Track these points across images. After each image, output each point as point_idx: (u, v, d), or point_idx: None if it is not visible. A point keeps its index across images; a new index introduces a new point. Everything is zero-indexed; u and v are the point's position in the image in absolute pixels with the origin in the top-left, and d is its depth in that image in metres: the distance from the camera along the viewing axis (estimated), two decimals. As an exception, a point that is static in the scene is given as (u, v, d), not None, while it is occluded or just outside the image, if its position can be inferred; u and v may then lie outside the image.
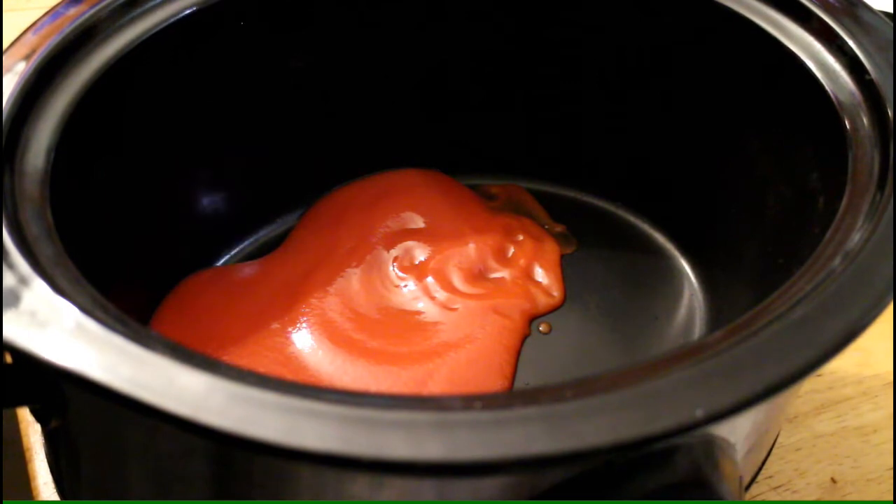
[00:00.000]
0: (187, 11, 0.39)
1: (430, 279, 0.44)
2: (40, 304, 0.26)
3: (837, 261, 0.28)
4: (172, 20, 0.39)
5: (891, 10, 0.56)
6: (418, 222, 0.47)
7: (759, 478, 0.39)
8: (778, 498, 0.40)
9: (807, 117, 0.37)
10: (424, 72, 0.48)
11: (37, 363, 0.25)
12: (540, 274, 0.45)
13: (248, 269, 0.46)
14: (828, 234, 0.30)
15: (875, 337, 0.44)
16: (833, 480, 0.41)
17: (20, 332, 0.25)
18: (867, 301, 0.27)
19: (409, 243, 0.46)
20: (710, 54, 0.43)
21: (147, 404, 0.23)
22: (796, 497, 0.40)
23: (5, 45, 0.35)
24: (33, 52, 0.35)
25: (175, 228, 0.44)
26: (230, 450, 0.26)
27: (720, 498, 0.27)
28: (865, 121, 0.34)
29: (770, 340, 0.26)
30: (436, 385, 0.39)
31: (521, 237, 0.47)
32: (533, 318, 0.44)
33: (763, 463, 0.38)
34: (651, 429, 0.24)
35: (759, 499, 0.40)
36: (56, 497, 0.36)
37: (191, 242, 0.45)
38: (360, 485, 0.27)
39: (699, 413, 0.24)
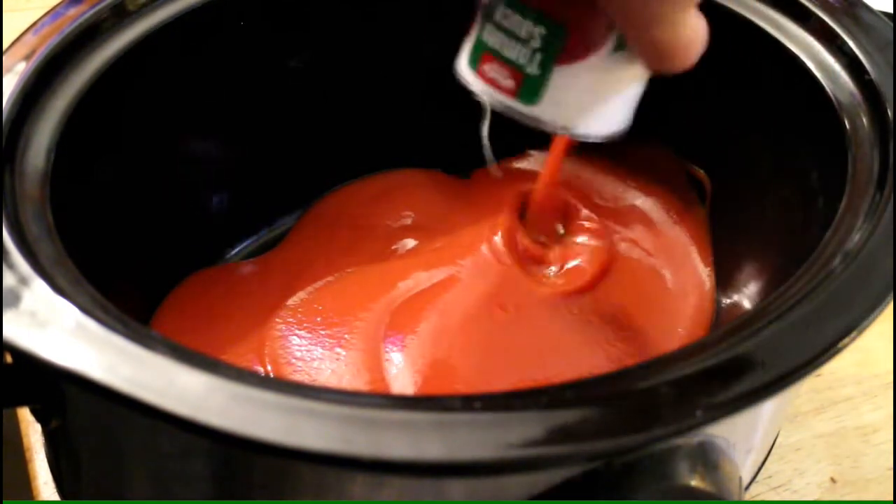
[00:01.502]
0: (187, 11, 0.39)
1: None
2: (40, 304, 0.26)
3: (837, 261, 0.28)
4: (172, 20, 0.39)
5: (891, 10, 0.56)
6: (418, 221, 0.47)
7: (759, 478, 0.39)
8: (778, 498, 0.40)
9: (807, 117, 0.37)
10: (425, 71, 0.48)
11: (37, 363, 0.25)
12: None
13: (247, 268, 0.46)
14: (828, 234, 0.30)
15: (875, 337, 0.44)
16: (833, 480, 0.41)
17: (20, 332, 0.25)
18: (867, 301, 0.27)
19: (409, 241, 0.46)
20: (709, 54, 0.43)
21: (147, 404, 0.23)
22: (796, 497, 0.40)
23: (5, 45, 0.35)
24: (33, 52, 0.35)
25: (175, 228, 0.44)
26: (230, 450, 0.26)
27: (720, 498, 0.27)
28: (865, 121, 0.34)
29: (770, 340, 0.26)
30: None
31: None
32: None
33: (763, 463, 0.38)
34: (651, 429, 0.24)
35: (759, 499, 0.40)
36: (56, 497, 0.36)
37: (191, 242, 0.45)
38: (360, 484, 0.27)
39: (699, 413, 0.24)
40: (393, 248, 0.46)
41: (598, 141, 0.32)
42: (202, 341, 0.40)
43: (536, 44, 0.28)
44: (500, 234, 0.46)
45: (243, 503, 0.29)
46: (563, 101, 0.29)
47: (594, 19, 0.27)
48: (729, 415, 0.24)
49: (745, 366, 0.25)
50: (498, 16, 0.29)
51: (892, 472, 0.41)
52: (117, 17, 0.38)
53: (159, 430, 0.27)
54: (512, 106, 0.29)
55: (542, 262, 0.44)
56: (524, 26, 0.28)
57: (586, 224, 0.46)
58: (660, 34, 0.27)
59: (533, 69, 0.29)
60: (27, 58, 0.35)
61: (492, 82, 0.29)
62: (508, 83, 0.29)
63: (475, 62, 0.30)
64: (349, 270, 0.44)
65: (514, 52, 0.29)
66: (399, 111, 0.49)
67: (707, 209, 0.46)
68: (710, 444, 0.27)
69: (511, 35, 0.29)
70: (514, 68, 0.29)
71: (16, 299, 0.26)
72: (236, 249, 0.47)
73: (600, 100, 0.30)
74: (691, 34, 0.28)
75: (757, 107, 0.41)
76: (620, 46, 0.29)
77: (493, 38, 0.29)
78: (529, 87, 0.29)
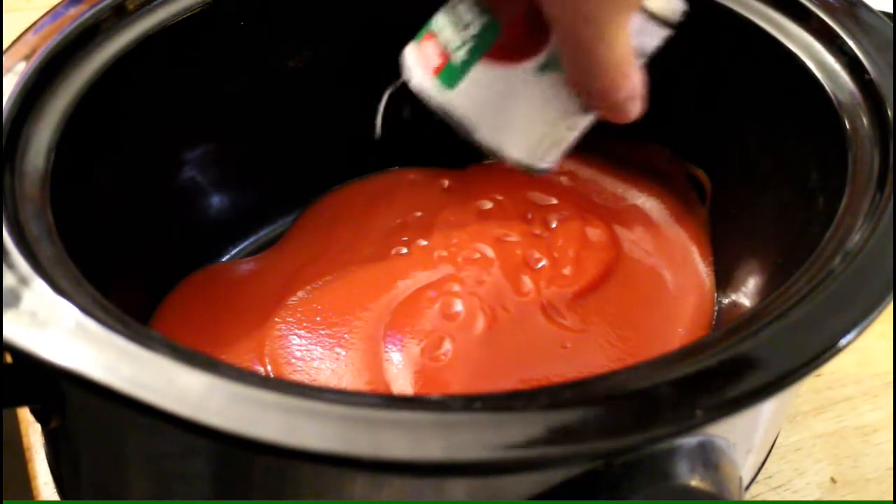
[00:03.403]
0: (187, 11, 0.39)
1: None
2: (40, 304, 0.26)
3: (837, 261, 0.28)
4: (173, 20, 0.39)
5: (891, 10, 0.56)
6: (417, 220, 0.47)
7: (759, 478, 0.39)
8: (778, 498, 0.40)
9: (807, 117, 0.37)
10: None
11: (37, 363, 0.25)
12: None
13: (247, 267, 0.46)
14: (828, 234, 0.30)
15: (875, 337, 0.44)
16: (833, 480, 0.41)
17: (20, 332, 0.25)
18: (867, 301, 0.27)
19: (407, 239, 0.46)
20: (709, 54, 0.43)
21: (147, 404, 0.23)
22: (796, 497, 0.40)
23: (5, 45, 0.35)
24: (34, 52, 0.35)
25: (175, 228, 0.44)
26: (230, 450, 0.26)
27: (720, 498, 0.27)
28: (865, 121, 0.34)
29: (770, 340, 0.26)
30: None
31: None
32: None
33: (763, 463, 0.38)
34: (651, 429, 0.24)
35: (759, 499, 0.40)
36: (56, 497, 0.36)
37: (191, 242, 0.45)
38: (360, 484, 0.27)
39: (699, 413, 0.24)
40: (392, 247, 0.46)
41: (509, 164, 0.31)
42: (202, 341, 0.40)
43: (471, 32, 0.29)
44: (500, 233, 0.46)
45: (243, 503, 0.29)
46: (476, 98, 0.29)
47: (528, 26, 0.27)
48: (729, 415, 0.24)
49: (745, 366, 0.25)
50: (455, 1, 0.30)
51: (892, 472, 0.41)
52: (117, 17, 0.38)
53: (159, 430, 0.27)
54: (428, 86, 0.30)
55: (542, 262, 0.44)
56: (469, 14, 0.29)
57: (588, 225, 0.46)
58: (588, 40, 0.27)
59: (459, 55, 0.29)
60: (27, 57, 0.35)
61: (422, 58, 0.30)
62: (434, 62, 0.30)
63: (419, 38, 0.31)
64: (349, 269, 0.44)
65: (451, 35, 0.29)
66: (399, 111, 0.49)
67: (707, 209, 0.46)
68: (710, 444, 0.27)
69: (456, 20, 0.29)
70: (444, 50, 0.29)
71: (16, 299, 0.26)
72: (236, 249, 0.47)
73: (516, 115, 0.29)
74: (620, 59, 0.27)
75: (757, 107, 0.41)
76: (551, 67, 0.28)
77: (441, 20, 0.30)
78: (450, 72, 0.29)
